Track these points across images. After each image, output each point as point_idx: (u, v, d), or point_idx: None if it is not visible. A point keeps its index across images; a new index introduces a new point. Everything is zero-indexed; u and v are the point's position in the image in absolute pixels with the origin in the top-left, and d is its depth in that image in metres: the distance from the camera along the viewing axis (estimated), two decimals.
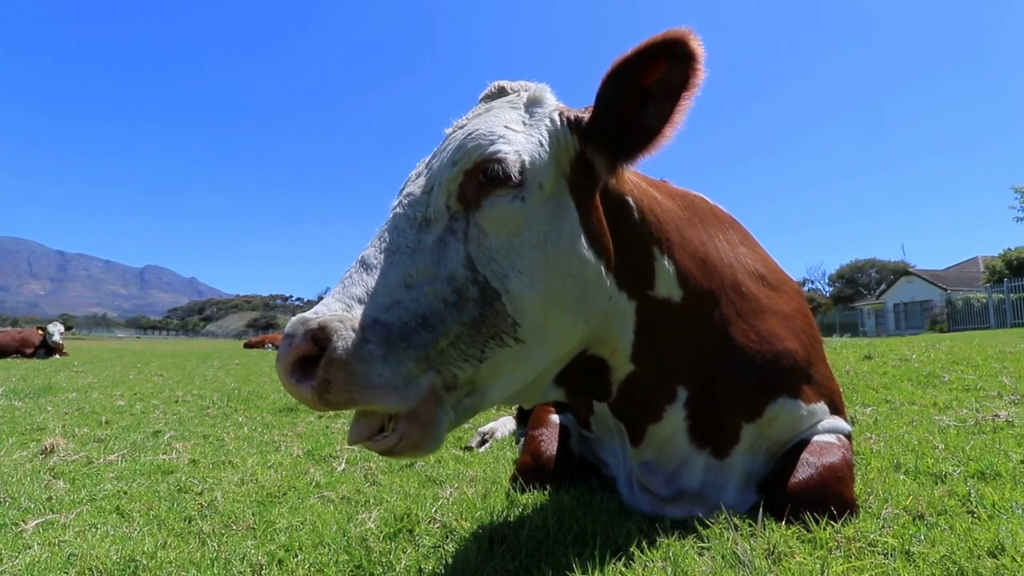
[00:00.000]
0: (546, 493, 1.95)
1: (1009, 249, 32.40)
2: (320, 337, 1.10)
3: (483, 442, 3.15)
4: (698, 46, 1.22)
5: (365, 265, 1.24)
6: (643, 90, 1.31)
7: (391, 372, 1.13)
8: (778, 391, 1.74)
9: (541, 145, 1.35)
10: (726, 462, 1.75)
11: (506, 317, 1.25)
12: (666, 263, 1.61)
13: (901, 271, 45.77)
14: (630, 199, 1.57)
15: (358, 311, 1.15)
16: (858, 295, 57.06)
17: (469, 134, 1.33)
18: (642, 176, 1.79)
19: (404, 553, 1.61)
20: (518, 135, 1.33)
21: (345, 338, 1.10)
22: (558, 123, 1.41)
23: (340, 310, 1.15)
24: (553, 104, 1.46)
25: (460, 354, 1.23)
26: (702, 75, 1.24)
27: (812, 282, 65.19)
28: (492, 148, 1.29)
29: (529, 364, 1.34)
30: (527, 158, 1.31)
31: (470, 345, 1.23)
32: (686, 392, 1.68)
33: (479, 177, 1.28)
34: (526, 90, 1.49)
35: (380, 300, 1.18)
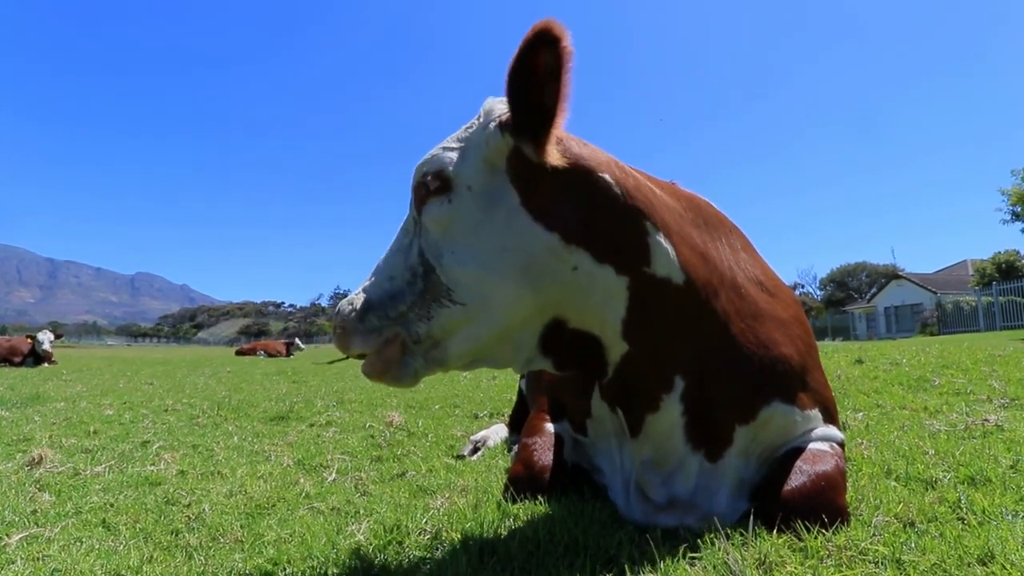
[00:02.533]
0: (538, 503, 1.94)
1: (999, 252, 32.78)
2: (339, 310, 1.71)
3: (475, 450, 3.13)
4: (561, 31, 1.39)
5: (377, 267, 1.74)
6: (538, 79, 1.45)
7: (362, 327, 1.64)
8: (772, 395, 1.74)
9: (465, 156, 1.61)
10: (719, 465, 1.75)
11: (441, 285, 1.59)
12: (662, 241, 1.62)
13: (891, 275, 46.16)
14: (606, 176, 1.61)
15: (363, 295, 1.68)
16: (849, 299, 57.48)
17: (423, 159, 1.69)
18: (641, 172, 1.82)
19: (394, 565, 1.60)
20: (449, 153, 1.63)
21: (345, 311, 1.67)
22: (490, 129, 1.57)
23: (354, 294, 1.71)
24: (497, 112, 1.60)
25: (416, 315, 1.62)
26: (570, 52, 1.41)
27: (803, 286, 65.61)
28: (423, 169, 1.64)
29: (480, 323, 1.59)
30: (450, 170, 1.59)
31: (420, 307, 1.61)
32: (683, 383, 1.68)
33: (420, 191, 1.63)
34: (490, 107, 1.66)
35: (373, 288, 1.68)
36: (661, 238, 1.62)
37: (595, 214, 1.58)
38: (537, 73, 1.44)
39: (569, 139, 1.62)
